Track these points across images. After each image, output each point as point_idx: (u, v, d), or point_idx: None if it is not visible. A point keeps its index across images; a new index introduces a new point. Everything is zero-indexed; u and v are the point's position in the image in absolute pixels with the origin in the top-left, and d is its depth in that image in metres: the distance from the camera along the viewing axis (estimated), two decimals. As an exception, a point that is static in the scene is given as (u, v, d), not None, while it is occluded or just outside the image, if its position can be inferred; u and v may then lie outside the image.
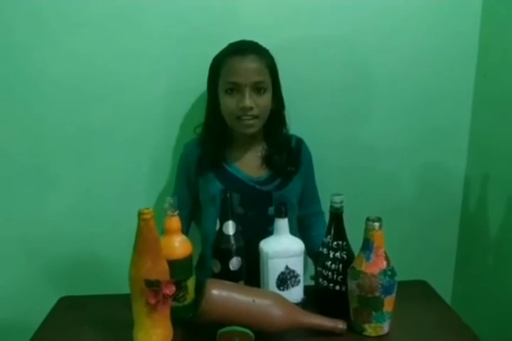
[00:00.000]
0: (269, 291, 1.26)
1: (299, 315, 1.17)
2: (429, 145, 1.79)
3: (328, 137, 1.73)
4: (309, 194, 1.64)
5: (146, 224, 1.06)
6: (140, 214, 1.06)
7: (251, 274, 1.30)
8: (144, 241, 1.07)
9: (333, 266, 1.24)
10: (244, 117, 1.43)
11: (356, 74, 1.71)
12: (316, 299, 1.30)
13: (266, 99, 1.45)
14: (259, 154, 1.56)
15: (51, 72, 1.63)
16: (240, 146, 1.55)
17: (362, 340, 1.18)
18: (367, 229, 1.15)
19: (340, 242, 1.24)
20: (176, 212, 1.23)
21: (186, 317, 1.24)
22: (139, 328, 1.13)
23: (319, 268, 1.27)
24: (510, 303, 1.54)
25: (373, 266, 1.14)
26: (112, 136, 1.70)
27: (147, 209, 1.06)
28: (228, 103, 1.44)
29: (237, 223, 1.28)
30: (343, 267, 1.23)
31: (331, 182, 1.69)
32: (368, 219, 1.15)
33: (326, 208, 1.35)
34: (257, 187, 1.52)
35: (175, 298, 1.18)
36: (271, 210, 1.47)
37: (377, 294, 1.14)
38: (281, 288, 1.28)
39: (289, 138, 1.60)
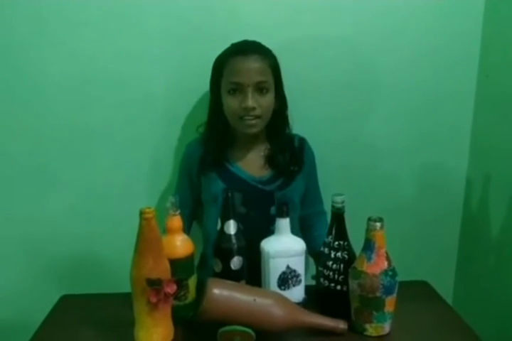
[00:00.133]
0: (270, 291, 1.26)
1: (299, 314, 1.17)
2: (430, 145, 1.79)
3: (330, 136, 1.73)
4: (312, 193, 1.64)
5: (147, 223, 1.06)
6: (141, 213, 1.06)
7: (252, 273, 1.30)
8: (146, 240, 1.07)
9: (335, 265, 1.24)
10: (247, 117, 1.43)
11: (358, 74, 1.72)
12: (317, 299, 1.30)
13: (268, 99, 1.45)
14: (262, 154, 1.56)
15: (51, 72, 1.63)
16: (243, 146, 1.55)
17: (363, 340, 1.18)
18: (368, 229, 1.15)
19: (341, 242, 1.24)
20: (178, 211, 1.23)
21: (187, 316, 1.24)
22: (140, 327, 1.13)
23: (320, 268, 1.27)
24: (511, 303, 1.53)
25: (374, 266, 1.14)
26: (112, 135, 1.70)
27: (149, 208, 1.07)
28: (231, 103, 1.44)
29: (239, 222, 1.28)
30: (344, 267, 1.23)
31: (333, 181, 1.69)
32: (369, 219, 1.15)
33: (328, 208, 1.35)
34: (259, 186, 1.52)
35: (176, 296, 1.18)
36: (273, 210, 1.47)
37: (378, 294, 1.14)
38: (283, 287, 1.28)
39: (291, 137, 1.60)
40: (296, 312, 1.17)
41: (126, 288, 1.13)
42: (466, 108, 1.78)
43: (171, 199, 1.22)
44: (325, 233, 1.28)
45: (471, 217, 1.81)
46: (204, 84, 1.55)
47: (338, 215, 1.24)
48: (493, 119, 1.67)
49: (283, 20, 1.63)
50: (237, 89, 1.42)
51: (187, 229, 1.49)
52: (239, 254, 1.27)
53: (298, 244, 1.29)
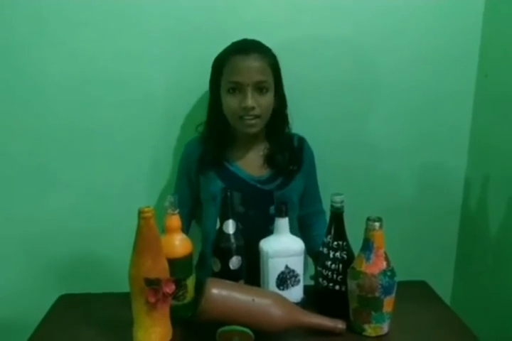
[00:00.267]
0: (268, 291, 1.26)
1: (298, 314, 1.17)
2: (430, 145, 1.80)
3: (330, 136, 1.74)
4: (311, 193, 1.64)
5: (146, 222, 1.06)
6: (140, 212, 1.06)
7: (251, 273, 1.30)
8: (144, 239, 1.07)
9: (333, 265, 1.24)
10: (246, 117, 1.43)
11: (357, 74, 1.72)
12: (316, 299, 1.30)
13: (268, 99, 1.45)
14: (261, 153, 1.56)
15: (51, 72, 1.63)
16: (242, 145, 1.56)
17: (361, 340, 1.18)
18: (367, 229, 1.16)
19: (340, 242, 1.24)
20: (177, 211, 1.23)
21: (186, 316, 1.24)
22: (138, 327, 1.13)
23: (319, 268, 1.28)
24: (510, 303, 1.54)
25: (373, 267, 1.15)
26: (112, 135, 1.70)
27: (148, 207, 1.07)
28: (230, 103, 1.44)
29: (238, 222, 1.29)
30: (343, 267, 1.23)
31: (332, 181, 1.70)
32: (368, 219, 1.15)
33: (327, 207, 1.35)
34: (259, 186, 1.52)
35: (174, 296, 1.18)
36: (272, 209, 1.46)
37: (377, 294, 1.14)
38: (281, 287, 1.28)
39: (291, 137, 1.60)
40: (294, 312, 1.17)
41: (125, 287, 1.13)
42: (465, 108, 1.78)
43: (170, 198, 1.22)
44: (324, 233, 1.28)
45: (469, 216, 1.81)
46: (204, 84, 1.55)
47: (337, 215, 1.24)
48: (492, 119, 1.67)
49: (283, 19, 1.64)
50: (237, 88, 1.42)
51: (186, 229, 1.49)
52: (238, 254, 1.27)
53: (297, 244, 1.29)
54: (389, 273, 1.15)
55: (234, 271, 1.27)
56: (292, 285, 1.29)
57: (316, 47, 1.68)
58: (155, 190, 1.74)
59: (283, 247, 1.27)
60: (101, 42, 1.63)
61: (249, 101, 1.40)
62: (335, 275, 1.24)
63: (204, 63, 1.50)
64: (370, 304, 1.16)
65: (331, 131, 1.74)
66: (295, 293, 1.29)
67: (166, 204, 1.22)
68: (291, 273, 1.28)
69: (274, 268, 1.27)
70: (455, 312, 1.33)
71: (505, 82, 1.59)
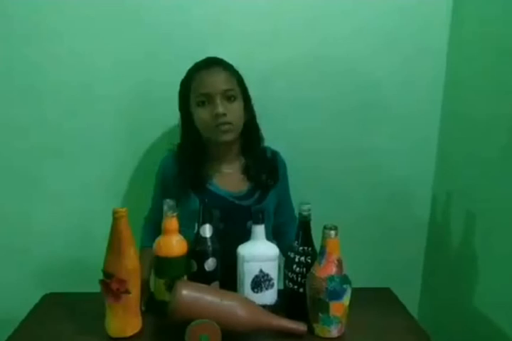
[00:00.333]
0: (235, 293, 1.30)
1: (262, 316, 1.22)
2: (398, 160, 1.84)
3: (302, 148, 1.78)
4: (284, 203, 1.67)
5: (118, 222, 1.14)
6: (114, 212, 1.13)
7: (229, 282, 1.34)
8: (115, 238, 1.15)
9: (298, 269, 1.29)
10: (220, 124, 1.45)
11: (327, 94, 1.77)
12: (284, 300, 1.35)
13: (237, 106, 1.48)
14: (238, 168, 1.59)
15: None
16: (218, 162, 1.58)
17: (321, 343, 1.24)
18: (323, 237, 1.21)
19: (306, 248, 1.29)
20: (175, 214, 1.30)
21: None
22: (106, 317, 1.23)
23: (286, 271, 1.33)
24: (473, 314, 1.56)
25: (322, 271, 1.20)
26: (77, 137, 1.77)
27: (121, 208, 1.13)
28: (202, 115, 1.47)
29: (218, 238, 1.35)
30: (306, 271, 1.28)
31: (305, 190, 1.73)
32: (325, 227, 1.21)
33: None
34: (237, 202, 1.54)
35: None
36: (249, 224, 1.38)
37: (322, 296, 1.20)
38: (256, 290, 1.33)
39: (264, 150, 1.63)
40: (259, 314, 1.22)
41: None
42: (432, 126, 1.82)
43: (169, 202, 1.29)
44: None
45: (436, 229, 1.85)
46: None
47: (305, 223, 1.30)
48: (458, 138, 1.71)
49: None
50: (206, 100, 1.46)
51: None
52: (213, 256, 1.32)
53: (272, 250, 1.34)
54: (337, 280, 1.19)
55: (209, 272, 1.33)
56: (266, 289, 1.33)
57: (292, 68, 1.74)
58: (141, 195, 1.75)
59: (258, 252, 1.32)
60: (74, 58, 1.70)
61: (220, 108, 1.43)
62: (299, 278, 1.29)
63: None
64: (316, 305, 1.22)
65: (303, 142, 1.79)
66: (269, 296, 1.34)
67: (165, 207, 1.29)
68: (265, 277, 1.32)
69: (249, 272, 1.32)
70: (415, 317, 1.38)
71: (469, 104, 1.64)
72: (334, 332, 1.23)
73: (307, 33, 1.71)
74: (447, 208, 1.75)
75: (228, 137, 1.49)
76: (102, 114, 1.74)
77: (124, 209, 1.13)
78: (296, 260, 1.29)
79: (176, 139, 1.61)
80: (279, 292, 1.36)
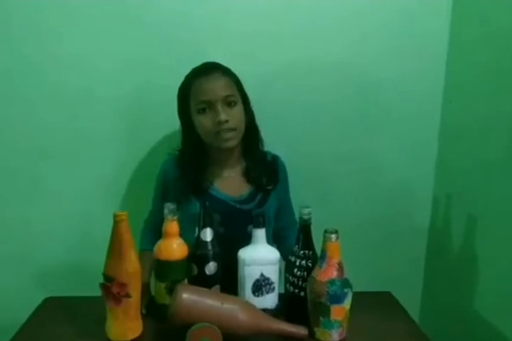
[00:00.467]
0: (236, 297, 1.31)
1: (263, 319, 1.22)
2: (399, 165, 1.85)
3: (304, 152, 1.79)
4: (285, 207, 1.67)
5: (118, 225, 1.14)
6: (114, 216, 1.14)
7: (230, 286, 1.34)
8: (116, 241, 1.15)
9: (299, 273, 1.29)
10: (223, 131, 1.45)
11: (327, 97, 1.78)
12: (285, 304, 1.35)
13: (238, 112, 1.48)
14: (239, 173, 1.59)
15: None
16: (219, 166, 1.58)
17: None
18: (324, 240, 1.21)
19: (306, 251, 1.29)
20: (176, 217, 1.30)
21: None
22: (107, 320, 1.23)
23: (287, 275, 1.32)
24: (474, 317, 1.56)
25: (323, 274, 1.20)
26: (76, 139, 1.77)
27: (122, 211, 1.13)
28: (203, 122, 1.47)
29: (219, 242, 1.35)
30: (307, 274, 1.28)
31: (306, 194, 1.73)
32: (325, 231, 1.21)
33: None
34: (238, 206, 1.54)
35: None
36: (250, 228, 1.39)
37: (323, 300, 1.20)
38: (256, 294, 1.33)
39: (264, 154, 1.64)
40: (260, 317, 1.22)
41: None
42: (432, 129, 1.83)
43: (169, 205, 1.29)
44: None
45: (436, 232, 1.86)
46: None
47: (305, 226, 1.30)
48: (458, 143, 1.72)
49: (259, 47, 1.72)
50: (207, 107, 1.45)
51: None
52: (214, 260, 1.32)
53: (272, 254, 1.34)
54: (338, 283, 1.20)
55: (210, 276, 1.33)
56: (267, 293, 1.33)
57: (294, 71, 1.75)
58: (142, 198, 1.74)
59: (259, 256, 1.32)
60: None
61: (222, 115, 1.43)
62: (300, 282, 1.29)
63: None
64: (317, 309, 1.22)
65: (304, 146, 1.80)
66: (270, 300, 1.34)
67: (166, 211, 1.29)
68: (266, 281, 1.32)
69: (249, 276, 1.32)
70: (416, 321, 1.38)
71: (468, 107, 1.64)
72: (335, 336, 1.23)
73: (308, 35, 1.71)
74: (448, 211, 1.75)
75: (231, 143, 1.49)
76: (101, 116, 1.75)
77: (124, 213, 1.13)
78: (297, 264, 1.29)
79: (176, 141, 1.61)
80: (280, 296, 1.36)
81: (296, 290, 1.30)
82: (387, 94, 1.78)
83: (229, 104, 1.46)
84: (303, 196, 1.69)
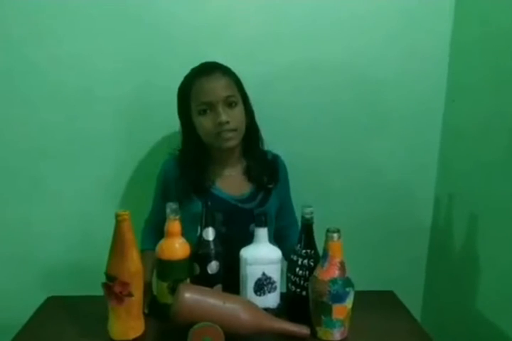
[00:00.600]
0: (238, 296, 1.30)
1: (265, 319, 1.22)
2: (401, 164, 1.85)
3: (305, 153, 1.79)
4: (286, 207, 1.67)
5: (120, 225, 1.14)
6: (116, 215, 1.14)
7: (233, 290, 1.33)
8: (118, 241, 1.15)
9: (301, 272, 1.29)
10: (223, 132, 1.45)
11: (329, 98, 1.78)
12: (287, 303, 1.35)
13: (239, 112, 1.48)
14: (240, 171, 1.59)
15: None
16: (221, 166, 1.58)
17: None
18: (326, 240, 1.21)
19: (308, 251, 1.29)
20: (178, 217, 1.30)
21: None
22: (109, 319, 1.23)
23: (289, 274, 1.33)
24: (475, 316, 1.56)
25: (325, 273, 1.21)
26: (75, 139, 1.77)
27: (124, 211, 1.13)
28: (204, 123, 1.46)
29: (221, 241, 1.35)
30: (309, 274, 1.28)
31: (307, 194, 1.74)
32: (328, 230, 1.21)
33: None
34: (240, 205, 1.54)
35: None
36: (252, 227, 1.40)
37: (325, 299, 1.20)
38: (258, 293, 1.33)
39: (265, 153, 1.64)
40: (261, 317, 1.22)
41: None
42: (434, 129, 1.83)
43: (171, 205, 1.29)
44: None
45: (438, 232, 1.86)
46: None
47: (307, 226, 1.30)
48: (459, 143, 1.72)
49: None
50: (208, 108, 1.45)
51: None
52: (216, 259, 1.32)
53: (274, 253, 1.34)
54: (340, 282, 1.20)
55: (212, 275, 1.33)
56: (269, 292, 1.33)
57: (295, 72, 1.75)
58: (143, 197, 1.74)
59: (261, 255, 1.32)
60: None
61: (223, 117, 1.43)
62: (302, 281, 1.29)
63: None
64: (319, 308, 1.22)
65: (306, 146, 1.80)
66: (271, 299, 1.34)
67: (168, 210, 1.29)
68: (268, 280, 1.32)
69: (251, 275, 1.32)
70: (418, 320, 1.37)
71: (471, 107, 1.64)
72: (337, 335, 1.23)
73: (309, 36, 1.71)
74: (450, 211, 1.75)
75: (232, 143, 1.49)
76: (101, 116, 1.74)
77: (126, 213, 1.14)
78: (299, 263, 1.29)
79: (176, 142, 1.61)
80: (282, 295, 1.36)
81: (298, 290, 1.30)
82: (388, 95, 1.78)
83: (230, 104, 1.46)
84: (304, 196, 1.68)
